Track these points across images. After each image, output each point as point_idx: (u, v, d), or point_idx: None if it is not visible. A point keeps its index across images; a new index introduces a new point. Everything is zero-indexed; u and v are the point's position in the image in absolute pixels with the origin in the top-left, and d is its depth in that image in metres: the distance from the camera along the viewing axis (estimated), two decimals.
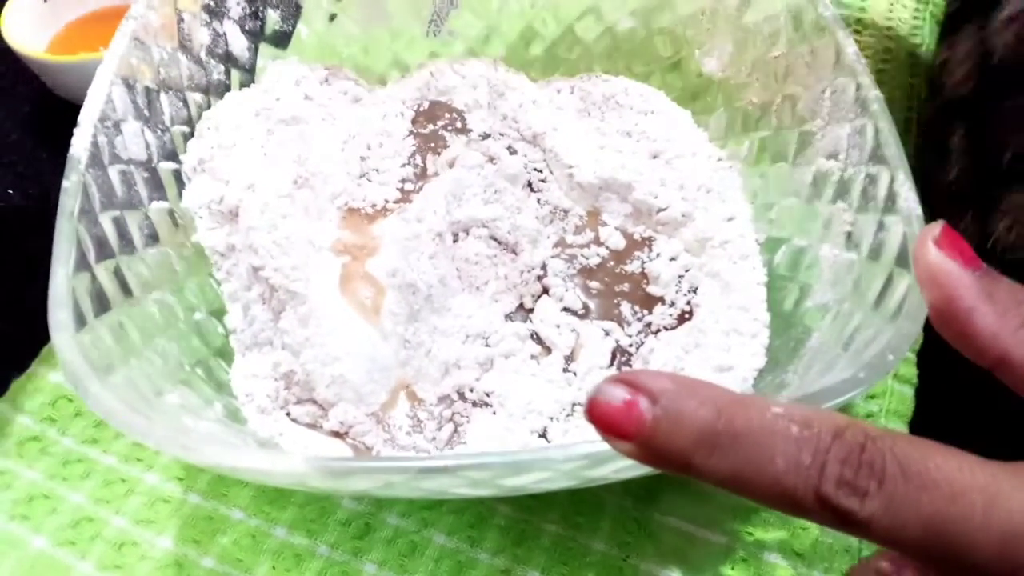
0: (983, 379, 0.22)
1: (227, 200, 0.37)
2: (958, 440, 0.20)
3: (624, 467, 0.25)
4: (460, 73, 0.44)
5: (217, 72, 0.41)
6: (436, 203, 0.38)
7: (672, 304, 0.38)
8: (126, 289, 0.31)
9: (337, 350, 0.33)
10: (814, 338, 0.32)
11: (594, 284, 0.38)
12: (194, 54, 0.39)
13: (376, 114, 0.42)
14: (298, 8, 0.44)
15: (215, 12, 0.40)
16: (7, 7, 0.46)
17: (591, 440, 0.22)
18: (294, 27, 0.44)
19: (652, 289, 0.38)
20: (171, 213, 0.36)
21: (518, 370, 0.35)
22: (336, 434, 0.34)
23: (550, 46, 0.46)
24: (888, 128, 0.31)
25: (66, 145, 0.31)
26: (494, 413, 0.34)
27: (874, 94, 0.32)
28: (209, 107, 0.40)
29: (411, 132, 0.42)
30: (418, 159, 0.41)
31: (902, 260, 0.29)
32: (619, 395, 0.19)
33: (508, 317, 0.37)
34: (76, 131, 0.32)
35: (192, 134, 0.39)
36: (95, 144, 0.32)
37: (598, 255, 0.39)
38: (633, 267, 0.39)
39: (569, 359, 0.36)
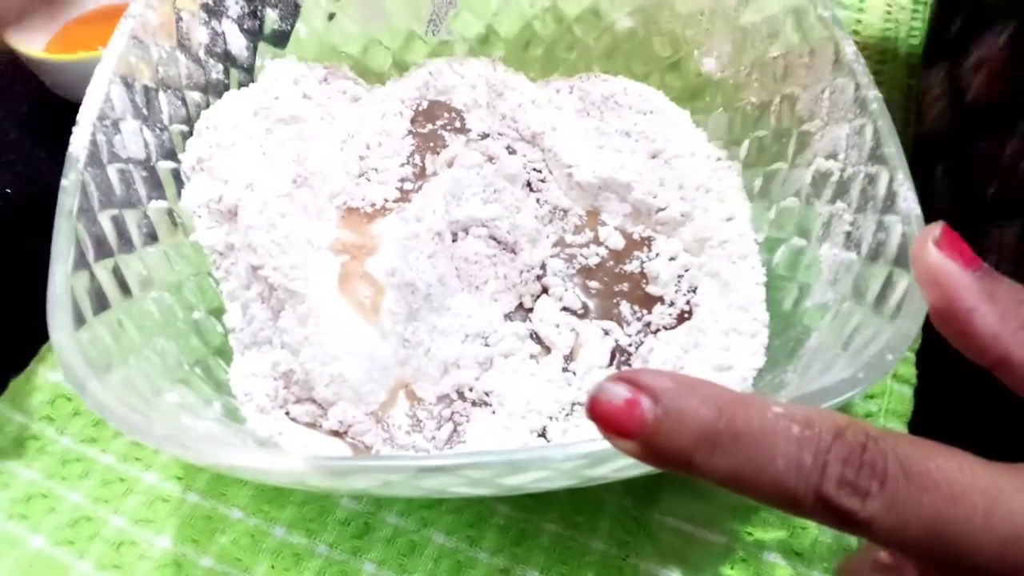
0: (982, 379, 0.22)
1: (226, 199, 0.37)
2: (958, 440, 0.20)
3: (624, 466, 0.25)
4: (459, 73, 0.44)
5: (216, 71, 0.41)
6: (435, 202, 0.38)
7: (671, 304, 0.38)
8: (125, 288, 0.31)
9: (336, 349, 0.33)
10: (813, 338, 0.32)
11: (593, 284, 0.38)
12: (193, 53, 0.39)
13: (375, 113, 0.42)
14: (297, 7, 0.44)
15: (214, 11, 0.40)
16: None
17: (590, 439, 0.22)
18: (293, 26, 0.44)
19: (651, 289, 0.38)
20: (170, 212, 0.36)
21: (517, 369, 0.35)
22: (335, 433, 0.33)
23: (549, 46, 0.46)
24: (887, 128, 0.31)
25: (65, 144, 0.31)
26: (493, 412, 0.34)
27: (873, 94, 0.33)
28: (208, 106, 0.40)
29: (410, 131, 0.42)
30: (417, 158, 0.41)
31: (901, 260, 0.29)
32: (621, 393, 0.19)
33: (507, 316, 0.37)
34: (75, 130, 0.32)
35: (191, 133, 0.39)
36: (94, 143, 0.32)
37: (597, 255, 0.39)
38: (632, 267, 0.39)
39: (568, 359, 0.36)
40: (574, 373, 0.36)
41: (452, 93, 0.43)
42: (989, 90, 0.39)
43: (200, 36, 0.40)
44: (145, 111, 0.36)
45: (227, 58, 0.41)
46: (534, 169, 0.41)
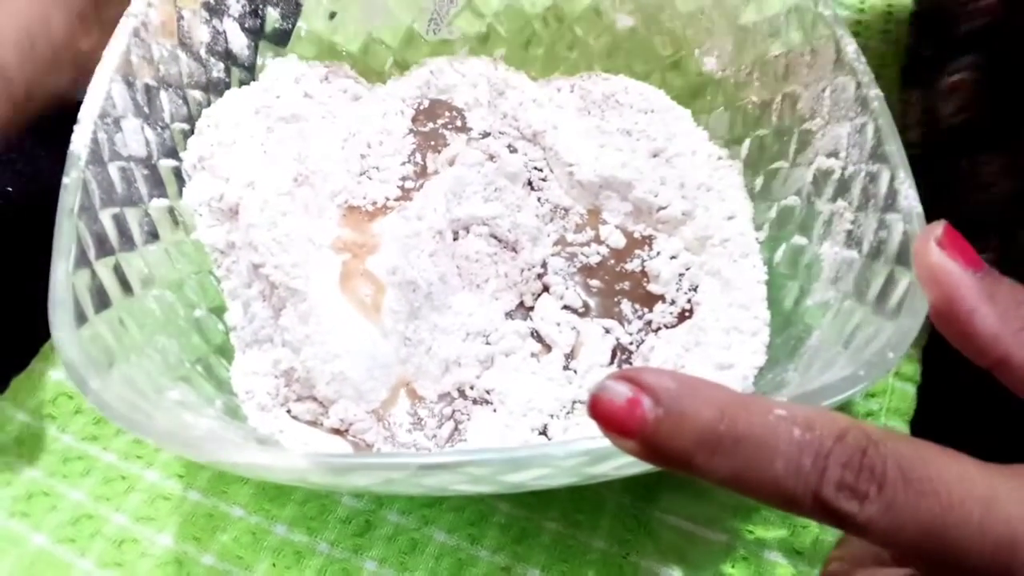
0: (984, 379, 0.22)
1: (227, 197, 0.37)
2: (958, 440, 0.20)
3: (625, 464, 0.25)
4: (460, 71, 0.44)
5: (217, 70, 0.41)
6: (436, 201, 0.38)
7: (672, 302, 0.38)
8: (126, 286, 0.31)
9: (337, 347, 0.33)
10: (814, 336, 0.32)
11: (594, 282, 0.38)
12: (194, 52, 0.39)
13: (376, 112, 0.42)
14: (298, 6, 0.44)
15: (215, 10, 0.40)
16: None
17: (591, 437, 0.22)
18: (294, 25, 0.44)
19: (652, 287, 0.38)
20: (171, 210, 0.36)
21: (518, 368, 0.35)
22: (336, 431, 0.34)
23: (550, 45, 0.46)
24: (888, 126, 0.31)
25: (66, 142, 0.31)
26: (494, 411, 0.34)
27: (874, 92, 0.32)
28: (209, 105, 0.40)
29: (411, 130, 0.42)
30: (418, 157, 0.41)
31: (903, 258, 0.29)
32: (622, 392, 0.19)
33: (508, 315, 0.37)
34: (76, 128, 0.32)
35: (192, 131, 0.39)
36: (95, 141, 0.32)
37: (598, 253, 0.39)
38: (633, 265, 0.39)
39: (569, 357, 0.36)
40: (575, 371, 0.36)
41: (453, 92, 0.43)
42: (960, 115, 0.41)
43: (201, 35, 0.40)
44: (146, 109, 0.36)
45: (228, 57, 0.41)
46: (535, 168, 0.41)
